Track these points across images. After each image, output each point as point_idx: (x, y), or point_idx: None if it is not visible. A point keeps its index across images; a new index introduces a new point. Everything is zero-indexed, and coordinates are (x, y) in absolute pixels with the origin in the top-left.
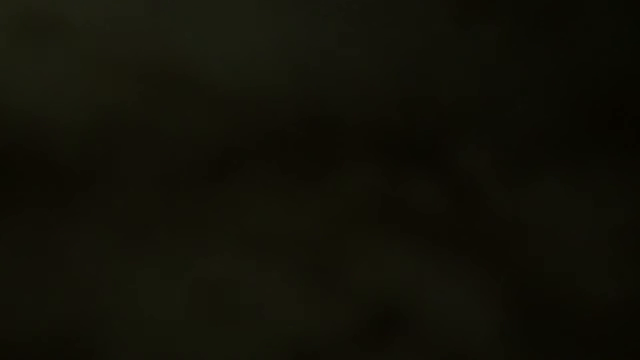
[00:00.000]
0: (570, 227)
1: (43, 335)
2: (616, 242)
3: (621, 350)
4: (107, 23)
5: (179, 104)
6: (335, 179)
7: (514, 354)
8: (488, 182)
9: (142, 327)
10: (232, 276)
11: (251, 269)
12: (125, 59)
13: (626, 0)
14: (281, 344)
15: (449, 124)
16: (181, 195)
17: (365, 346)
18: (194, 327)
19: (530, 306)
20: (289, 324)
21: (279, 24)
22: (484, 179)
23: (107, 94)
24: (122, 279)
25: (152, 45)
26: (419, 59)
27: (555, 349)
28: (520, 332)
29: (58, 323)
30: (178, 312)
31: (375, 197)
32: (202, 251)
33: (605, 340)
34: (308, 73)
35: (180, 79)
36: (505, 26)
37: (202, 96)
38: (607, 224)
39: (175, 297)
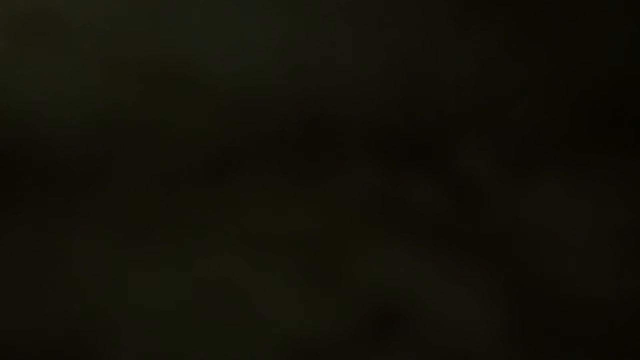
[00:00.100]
0: (570, 227)
1: (43, 335)
2: (616, 242)
3: (621, 350)
4: (107, 23)
5: (179, 104)
6: (336, 179)
7: (514, 354)
8: (488, 182)
9: (142, 327)
10: (232, 276)
11: (251, 269)
12: (125, 59)
13: (626, 0)
14: (281, 344)
15: (449, 124)
16: (181, 195)
17: (365, 346)
18: (194, 327)
19: (530, 306)
20: (289, 324)
21: (279, 24)
22: (484, 179)
23: (107, 94)
24: (122, 279)
25: (152, 45)
26: (419, 59)
27: (555, 349)
28: (520, 332)
29: (58, 323)
30: (178, 312)
31: (375, 197)
32: (202, 251)
33: (605, 340)
34: (308, 73)
35: (180, 79)
36: (505, 26)
37: (202, 96)
38: (607, 224)
39: (175, 297)
